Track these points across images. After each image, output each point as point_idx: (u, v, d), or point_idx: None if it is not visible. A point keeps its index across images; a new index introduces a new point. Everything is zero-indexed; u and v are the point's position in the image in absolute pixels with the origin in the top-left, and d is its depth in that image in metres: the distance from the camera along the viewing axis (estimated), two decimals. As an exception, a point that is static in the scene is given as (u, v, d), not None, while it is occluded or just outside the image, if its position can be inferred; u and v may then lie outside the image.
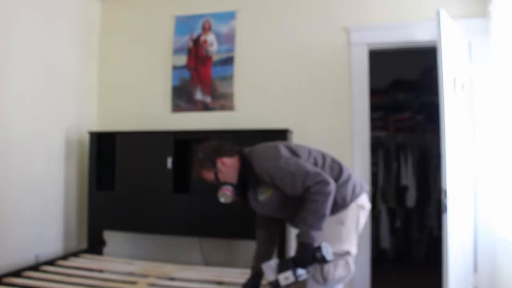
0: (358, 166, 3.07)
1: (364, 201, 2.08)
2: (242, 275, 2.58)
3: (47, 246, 3.12)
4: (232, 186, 2.03)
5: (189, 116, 3.46)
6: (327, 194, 1.84)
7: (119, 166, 3.27)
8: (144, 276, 2.64)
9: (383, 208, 4.46)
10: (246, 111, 3.34)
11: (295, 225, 1.93)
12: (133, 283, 2.50)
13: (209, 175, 2.05)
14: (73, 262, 2.96)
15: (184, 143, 3.25)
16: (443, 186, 2.41)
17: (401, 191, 4.42)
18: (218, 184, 2.04)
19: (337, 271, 1.96)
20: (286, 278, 1.81)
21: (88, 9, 3.63)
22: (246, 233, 2.80)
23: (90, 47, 3.65)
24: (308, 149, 2.09)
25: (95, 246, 3.33)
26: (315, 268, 1.91)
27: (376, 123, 4.34)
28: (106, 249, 3.42)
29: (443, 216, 2.40)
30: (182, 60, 3.50)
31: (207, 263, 3.25)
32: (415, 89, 4.54)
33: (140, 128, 3.46)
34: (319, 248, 1.80)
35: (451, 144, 2.45)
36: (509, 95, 2.58)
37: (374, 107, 3.72)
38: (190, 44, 3.49)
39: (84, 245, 3.38)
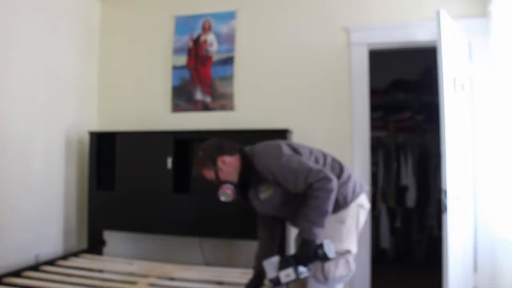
0: (358, 166, 3.07)
1: (363, 200, 2.09)
2: (242, 275, 2.59)
3: (47, 246, 3.12)
4: (233, 185, 2.02)
5: (189, 116, 3.46)
6: (329, 191, 1.84)
7: (119, 166, 3.27)
8: (144, 276, 2.64)
9: (383, 208, 4.46)
10: (246, 111, 3.34)
11: (297, 223, 1.93)
12: (133, 283, 2.49)
13: (209, 174, 2.04)
14: (73, 262, 2.96)
15: (184, 143, 3.25)
16: (443, 186, 2.42)
17: (401, 191, 4.42)
18: (218, 183, 2.04)
19: (338, 270, 1.97)
20: (287, 275, 1.80)
21: (88, 9, 3.64)
22: (246, 233, 2.81)
23: (90, 47, 3.65)
24: (309, 148, 2.10)
25: (95, 246, 3.33)
26: (315, 266, 1.91)
27: (376, 123, 4.35)
28: (106, 249, 3.42)
29: (443, 216, 2.40)
30: (182, 60, 3.50)
31: (207, 263, 3.25)
32: (415, 89, 4.54)
33: (140, 128, 3.46)
34: (321, 245, 1.79)
35: (451, 144, 2.45)
36: (509, 95, 2.58)
37: (374, 107, 3.72)
38: (190, 44, 3.49)
39: (84, 245, 3.38)
